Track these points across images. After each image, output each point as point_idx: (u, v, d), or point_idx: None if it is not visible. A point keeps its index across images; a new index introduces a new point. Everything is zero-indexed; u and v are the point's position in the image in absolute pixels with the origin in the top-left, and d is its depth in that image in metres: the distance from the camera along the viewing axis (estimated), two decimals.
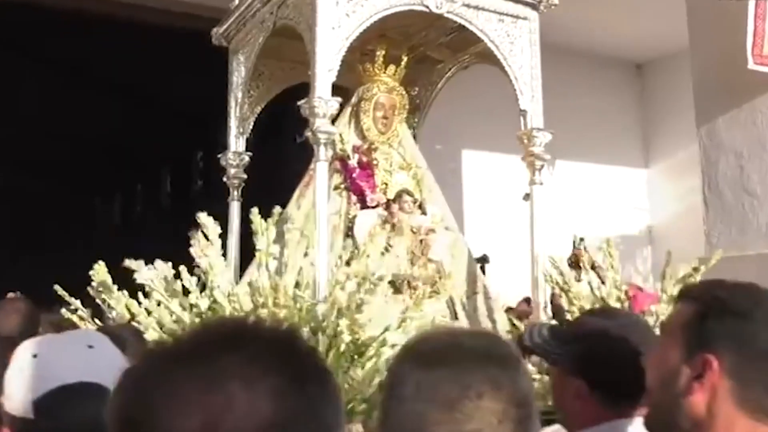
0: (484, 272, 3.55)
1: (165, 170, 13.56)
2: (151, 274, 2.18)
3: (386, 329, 2.37)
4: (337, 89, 3.56)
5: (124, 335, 1.72)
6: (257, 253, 2.34)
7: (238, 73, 3.67)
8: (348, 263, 2.50)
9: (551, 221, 7.24)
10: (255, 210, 2.33)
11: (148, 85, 9.06)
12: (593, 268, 4.82)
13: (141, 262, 2.20)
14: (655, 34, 7.52)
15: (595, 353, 1.42)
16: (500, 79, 7.82)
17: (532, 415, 0.92)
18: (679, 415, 1.09)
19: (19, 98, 9.41)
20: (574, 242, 5.18)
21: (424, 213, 3.38)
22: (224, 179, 3.66)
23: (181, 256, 2.94)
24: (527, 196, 3.37)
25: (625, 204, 8.33)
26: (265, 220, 2.40)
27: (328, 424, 0.65)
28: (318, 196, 2.82)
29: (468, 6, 3.24)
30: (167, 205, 13.29)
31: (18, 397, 1.06)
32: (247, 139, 3.73)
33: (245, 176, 3.67)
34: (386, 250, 3.16)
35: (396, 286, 3.15)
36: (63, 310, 2.74)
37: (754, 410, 1.04)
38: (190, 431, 0.60)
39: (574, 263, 5.11)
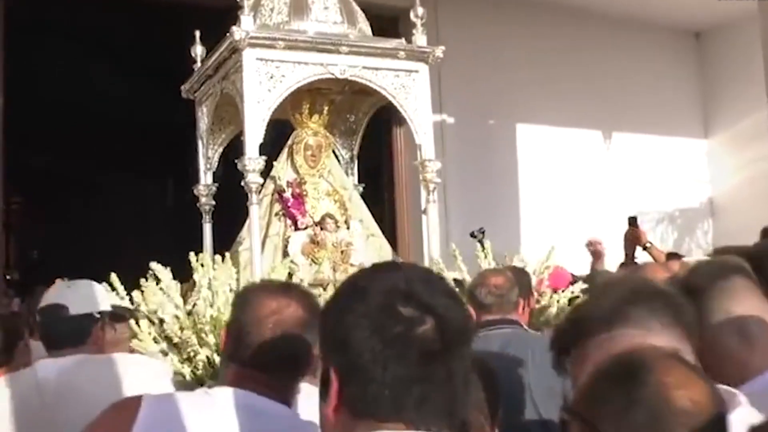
0: (483, 245, 4.13)
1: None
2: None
3: None
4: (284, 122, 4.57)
5: None
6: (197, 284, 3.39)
7: (203, 121, 4.67)
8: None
9: (609, 194, 7.52)
10: (191, 256, 3.36)
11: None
12: (645, 248, 5.00)
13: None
14: (714, 2, 7.34)
15: None
16: (550, 53, 7.58)
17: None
18: None
19: (69, 87, 10.05)
20: (629, 220, 5.20)
21: (348, 227, 4.38)
22: (197, 205, 4.72)
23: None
24: (425, 211, 4.31)
25: (684, 176, 8.20)
26: None
27: None
28: (252, 230, 3.86)
29: (367, 68, 4.17)
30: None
31: None
32: None
33: (214, 203, 4.71)
34: (314, 261, 4.20)
35: (323, 287, 4.19)
36: None
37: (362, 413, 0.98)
38: None
39: (630, 241, 5.11)
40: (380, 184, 7.46)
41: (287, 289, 1.69)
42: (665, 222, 8.09)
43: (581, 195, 7.46)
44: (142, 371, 2.35)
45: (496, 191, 7.22)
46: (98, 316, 2.47)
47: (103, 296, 2.63)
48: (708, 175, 8.46)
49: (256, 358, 1.52)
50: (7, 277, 6.63)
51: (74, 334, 2.35)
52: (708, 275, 1.66)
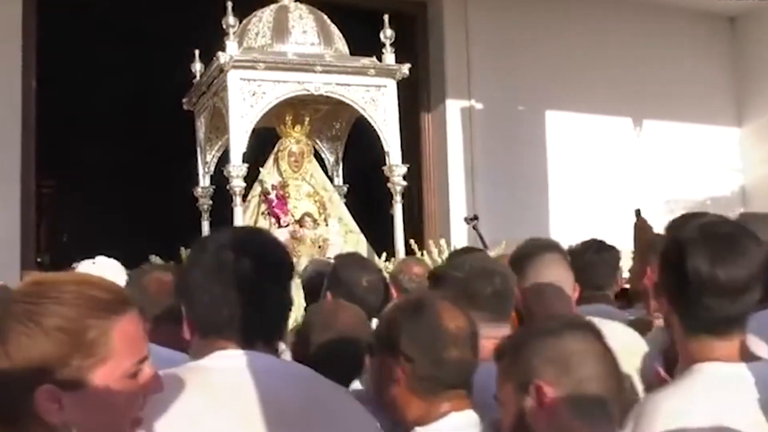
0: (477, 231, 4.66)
1: None
2: None
3: None
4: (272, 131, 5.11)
5: None
6: None
7: (201, 131, 5.26)
8: None
9: (639, 182, 7.24)
10: (182, 249, 3.95)
11: None
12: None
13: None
14: None
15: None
16: (581, 39, 7.62)
17: None
18: None
19: (99, 72, 10.01)
20: (635, 213, 5.01)
21: (327, 225, 4.94)
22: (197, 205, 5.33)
23: None
24: (391, 207, 4.82)
25: (716, 164, 8.01)
26: None
27: None
28: None
29: (340, 84, 4.70)
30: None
31: None
32: None
33: (211, 202, 5.30)
34: (294, 255, 4.77)
35: None
36: None
37: None
38: None
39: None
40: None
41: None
42: (696, 210, 8.08)
43: (611, 182, 7.43)
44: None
45: (525, 178, 7.17)
46: None
47: (118, 269, 2.81)
48: (740, 164, 8.25)
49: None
50: (38, 260, 7.07)
51: None
52: (524, 252, 2.20)
